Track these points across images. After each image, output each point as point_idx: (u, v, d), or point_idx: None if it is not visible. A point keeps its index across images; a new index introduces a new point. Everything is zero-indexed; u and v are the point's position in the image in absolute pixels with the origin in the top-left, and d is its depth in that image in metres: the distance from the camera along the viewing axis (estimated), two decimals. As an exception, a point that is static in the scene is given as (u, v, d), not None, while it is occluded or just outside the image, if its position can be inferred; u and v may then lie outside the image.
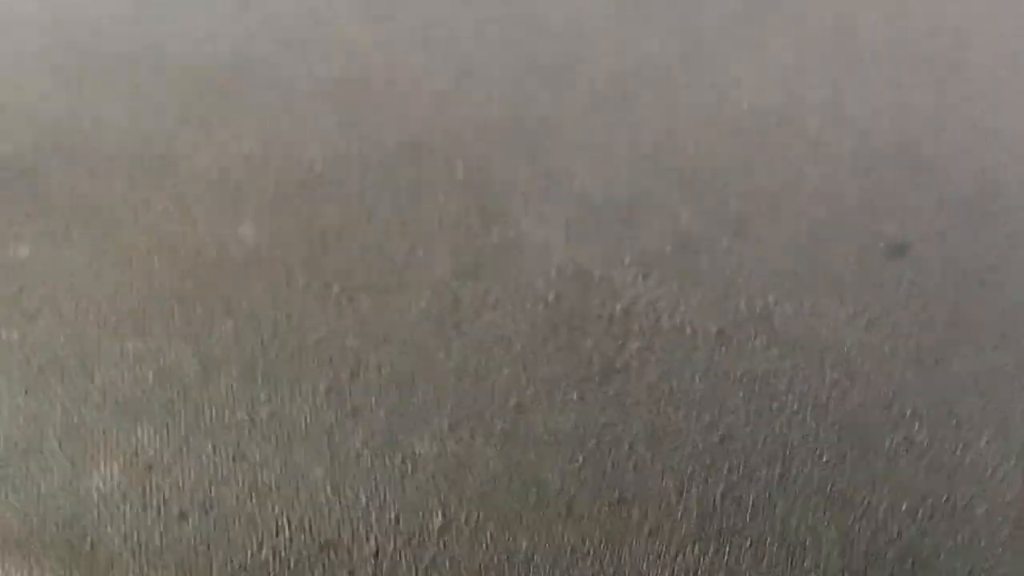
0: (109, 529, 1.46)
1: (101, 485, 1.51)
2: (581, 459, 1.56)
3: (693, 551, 1.44)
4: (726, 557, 1.44)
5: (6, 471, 1.53)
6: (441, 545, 1.45)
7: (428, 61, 2.38)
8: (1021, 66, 2.33)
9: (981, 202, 2.01)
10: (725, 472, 1.54)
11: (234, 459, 1.55)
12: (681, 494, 1.51)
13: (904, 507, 1.49)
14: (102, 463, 1.54)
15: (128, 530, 1.46)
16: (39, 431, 1.59)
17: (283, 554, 1.44)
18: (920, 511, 1.49)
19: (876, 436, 1.60)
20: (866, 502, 1.50)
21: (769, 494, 1.51)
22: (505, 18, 2.56)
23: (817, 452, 1.57)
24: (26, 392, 1.65)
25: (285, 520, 1.47)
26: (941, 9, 2.50)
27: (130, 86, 2.32)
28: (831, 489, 1.52)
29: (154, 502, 1.50)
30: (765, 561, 1.45)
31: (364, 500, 1.50)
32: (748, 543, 1.45)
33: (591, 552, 1.44)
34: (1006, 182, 2.04)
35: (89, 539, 1.46)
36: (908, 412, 1.63)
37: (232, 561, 1.42)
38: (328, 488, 1.51)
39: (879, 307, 1.81)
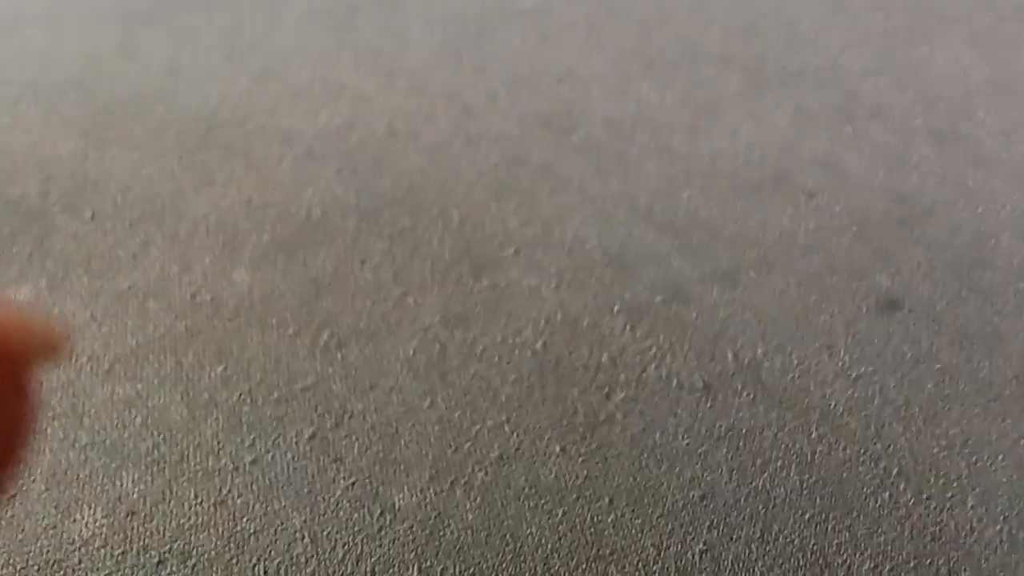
0: (89, 574, 1.47)
1: (83, 530, 1.52)
2: (560, 513, 1.55)
3: (669, 611, 1.43)
4: (703, 618, 1.43)
5: (-7, 513, 1.55)
6: (416, 598, 1.44)
7: (427, 109, 2.42)
8: (1017, 140, 2.33)
9: (974, 267, 2.00)
10: (705, 529, 1.52)
11: (215, 506, 1.55)
12: (660, 551, 1.49)
13: (887, 569, 1.47)
14: (86, 508, 1.55)
15: (107, 576, 1.47)
16: (26, 475, 1.61)
17: (258, 604, 1.44)
18: (903, 574, 1.46)
19: (861, 495, 1.58)
20: (847, 563, 1.47)
21: (749, 553, 1.49)
22: (504, 66, 2.60)
23: (800, 510, 1.55)
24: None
25: (262, 569, 1.47)
26: (941, 83, 2.51)
27: (135, 135, 2.38)
28: (812, 548, 1.49)
29: (134, 548, 1.50)
30: (744, 622, 1.43)
31: (341, 552, 1.49)
32: (726, 604, 1.43)
33: (566, 609, 1.42)
34: (999, 249, 2.03)
35: (69, 584, 1.46)
36: (895, 471, 1.61)
37: (207, 610, 1.43)
38: (306, 537, 1.51)
39: (868, 363, 1.80)
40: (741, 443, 1.66)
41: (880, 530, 1.52)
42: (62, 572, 1.48)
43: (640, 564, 1.48)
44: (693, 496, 1.57)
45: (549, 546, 1.50)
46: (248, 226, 2.10)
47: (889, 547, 1.50)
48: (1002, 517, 1.54)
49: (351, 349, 1.82)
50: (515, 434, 1.67)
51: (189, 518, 1.54)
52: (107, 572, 1.47)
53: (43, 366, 0.33)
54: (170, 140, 2.34)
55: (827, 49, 2.69)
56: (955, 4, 2.86)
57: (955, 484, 1.59)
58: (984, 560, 1.48)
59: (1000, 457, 1.63)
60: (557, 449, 1.65)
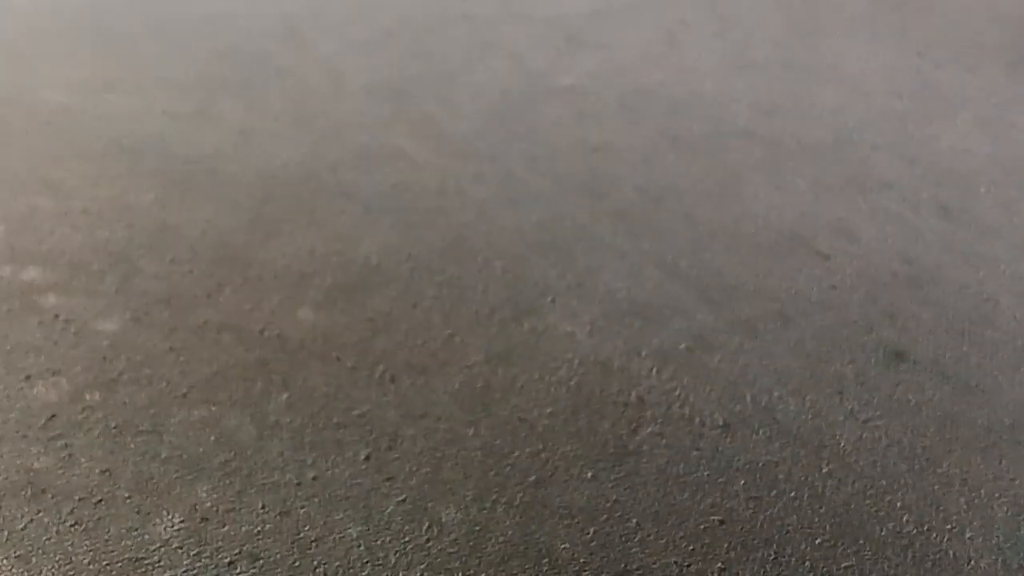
0: (167, 573, 1.64)
1: (162, 533, 1.70)
2: (592, 532, 1.71)
3: (690, 620, 1.57)
4: (720, 628, 1.57)
5: (81, 517, 1.73)
6: (460, 602, 1.59)
7: (474, 171, 2.66)
8: (1017, 212, 2.52)
9: (977, 324, 2.17)
10: (724, 551, 1.67)
11: (281, 515, 1.73)
12: (682, 569, 1.64)
13: (890, 592, 1.60)
14: (164, 514, 1.73)
15: (183, 574, 1.64)
16: (112, 483, 1.79)
17: (318, 602, 1.60)
18: (905, 596, 1.60)
19: (867, 525, 1.72)
20: (854, 585, 1.61)
21: (764, 573, 1.64)
22: (544, 137, 2.85)
23: (811, 536, 1.70)
24: (102, 448, 1.86)
25: (322, 572, 1.63)
26: (948, 160, 2.71)
27: (211, 188, 2.63)
28: (821, 571, 1.64)
29: (207, 551, 1.67)
30: (758, 636, 1.56)
31: (393, 559, 1.66)
32: (741, 616, 1.57)
33: (596, 616, 1.57)
34: (999, 310, 2.20)
35: (149, 580, 1.63)
36: (898, 505, 1.76)
37: (273, 606, 1.59)
38: (363, 546, 1.68)
39: (876, 408, 1.96)
40: (757, 475, 1.82)
41: (884, 556, 1.66)
42: (143, 569, 1.64)
43: (664, 579, 1.63)
44: (713, 520, 1.73)
45: (581, 560, 1.66)
46: (311, 271, 2.32)
47: (893, 572, 1.64)
48: (998, 548, 1.68)
49: (403, 382, 2.02)
50: (550, 461, 1.85)
51: (257, 525, 1.71)
52: (183, 570, 1.64)
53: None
54: (242, 194, 2.59)
55: (843, 126, 2.91)
56: (962, 89, 3.09)
57: (954, 518, 1.73)
58: (980, 586, 1.61)
59: (997, 495, 1.78)
60: (589, 475, 1.82)
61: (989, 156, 2.71)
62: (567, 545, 1.68)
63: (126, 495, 1.77)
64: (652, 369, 2.05)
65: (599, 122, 3.03)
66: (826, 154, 2.78)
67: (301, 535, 1.70)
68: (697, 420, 1.93)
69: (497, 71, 3.28)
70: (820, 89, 3.08)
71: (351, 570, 1.65)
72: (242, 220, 2.50)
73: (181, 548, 1.67)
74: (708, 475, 1.82)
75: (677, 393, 1.99)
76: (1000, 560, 1.65)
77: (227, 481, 1.79)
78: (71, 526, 1.68)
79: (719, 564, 1.65)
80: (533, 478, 1.81)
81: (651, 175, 2.74)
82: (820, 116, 2.97)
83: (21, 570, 1.60)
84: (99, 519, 1.72)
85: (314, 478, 1.80)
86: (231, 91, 3.11)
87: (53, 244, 2.40)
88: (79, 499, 1.74)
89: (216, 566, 1.65)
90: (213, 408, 1.95)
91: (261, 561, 1.65)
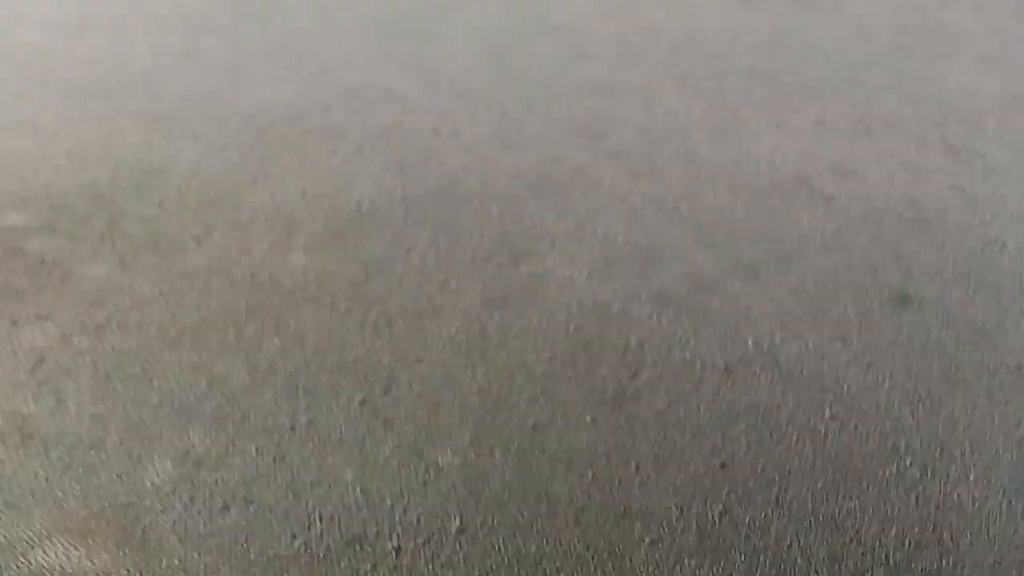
0: (160, 517, 1.61)
1: (155, 478, 1.67)
2: (591, 475, 1.68)
3: (690, 563, 1.55)
4: (721, 571, 1.55)
5: (71, 463, 1.70)
6: (457, 546, 1.57)
7: (468, 112, 2.59)
8: (1026, 144, 2.47)
9: (983, 266, 2.13)
10: (725, 493, 1.65)
11: (274, 460, 1.70)
12: (682, 511, 1.62)
13: (892, 533, 1.59)
14: (156, 459, 1.70)
15: (176, 519, 1.61)
16: (102, 428, 1.76)
17: (314, 546, 1.57)
18: (908, 539, 1.58)
19: (870, 468, 1.70)
20: (856, 527, 1.60)
21: (765, 515, 1.62)
22: (540, 76, 2.76)
23: (813, 479, 1.68)
24: (92, 394, 1.82)
25: (317, 516, 1.61)
26: (954, 99, 2.65)
27: (197, 130, 2.56)
28: (824, 514, 1.62)
29: (201, 495, 1.65)
30: (759, 579, 1.55)
31: (389, 502, 1.63)
32: (742, 559, 1.55)
33: (595, 559, 1.55)
34: (1005, 252, 2.16)
35: (142, 525, 1.60)
36: (902, 448, 1.74)
37: (268, 551, 1.56)
38: (358, 490, 1.65)
39: (880, 351, 1.93)
40: (759, 419, 1.79)
41: (887, 500, 1.64)
42: (135, 514, 1.62)
43: (664, 522, 1.61)
44: (714, 464, 1.70)
45: (580, 504, 1.64)
46: (303, 214, 2.26)
47: (895, 515, 1.62)
48: (1002, 491, 1.66)
49: (398, 327, 1.97)
50: (549, 405, 1.81)
51: (251, 470, 1.68)
52: (176, 515, 1.61)
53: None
54: (230, 135, 2.51)
55: (848, 65, 2.84)
56: (969, 27, 3.00)
57: (959, 461, 1.71)
58: (985, 529, 1.60)
59: (1002, 438, 1.75)
60: (588, 419, 1.79)
61: (996, 95, 2.65)
62: (566, 488, 1.66)
63: (117, 440, 1.73)
64: (652, 313, 2.01)
65: (597, 61, 2.94)
66: (829, 93, 2.71)
67: (295, 479, 1.67)
68: (698, 364, 1.90)
69: (490, 7, 3.18)
70: (824, 26, 2.99)
71: (346, 514, 1.62)
72: (231, 162, 2.43)
73: (174, 493, 1.64)
74: (709, 419, 1.79)
75: (677, 337, 1.96)
76: (1005, 503, 1.64)
77: (220, 426, 1.76)
78: (61, 472, 1.65)
79: (720, 507, 1.63)
80: (531, 422, 1.78)
81: (651, 115, 2.67)
82: (824, 54, 2.89)
83: (11, 516, 1.57)
84: (90, 465, 1.69)
85: (308, 423, 1.77)
86: (216, 29, 3.01)
87: (37, 187, 2.33)
88: (69, 445, 1.71)
89: (209, 511, 1.62)
90: (204, 353, 1.91)
91: (255, 505, 1.63)
